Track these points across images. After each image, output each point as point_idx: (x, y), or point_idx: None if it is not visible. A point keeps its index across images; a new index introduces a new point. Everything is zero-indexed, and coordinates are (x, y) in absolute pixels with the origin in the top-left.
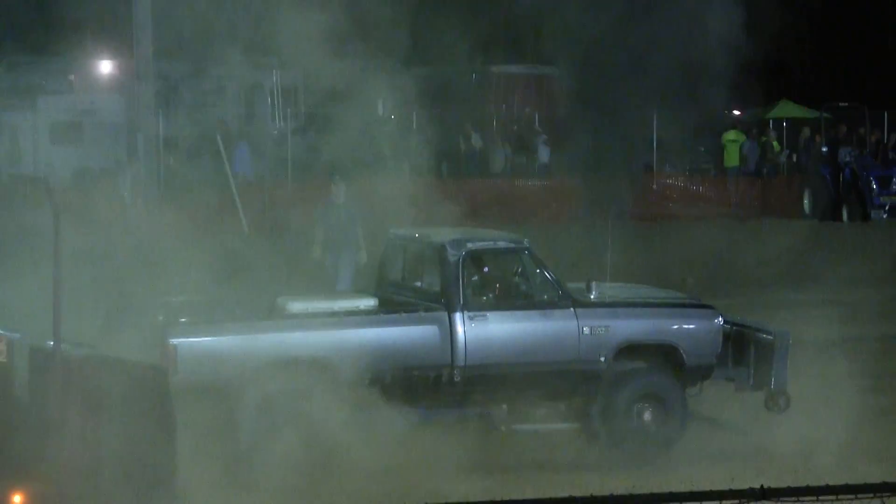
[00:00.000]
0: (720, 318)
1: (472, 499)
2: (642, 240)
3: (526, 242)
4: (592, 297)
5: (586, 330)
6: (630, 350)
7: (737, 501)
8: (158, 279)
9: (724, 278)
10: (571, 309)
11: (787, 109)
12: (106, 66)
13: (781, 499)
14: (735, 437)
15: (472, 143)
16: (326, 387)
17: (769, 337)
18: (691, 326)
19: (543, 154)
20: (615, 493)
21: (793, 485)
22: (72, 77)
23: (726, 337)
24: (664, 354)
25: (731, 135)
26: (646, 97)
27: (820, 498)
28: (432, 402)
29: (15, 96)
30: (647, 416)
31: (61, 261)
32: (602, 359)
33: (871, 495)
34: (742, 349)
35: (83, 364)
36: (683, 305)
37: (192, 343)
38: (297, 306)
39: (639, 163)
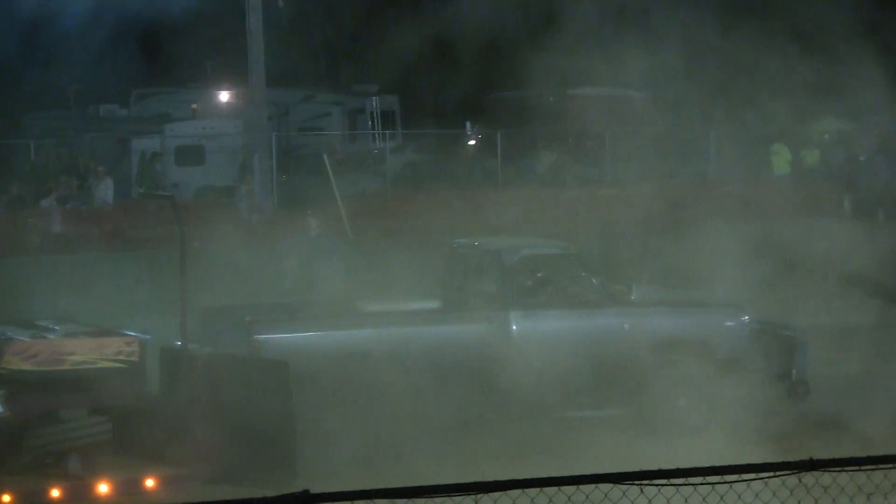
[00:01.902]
0: (746, 316)
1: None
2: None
3: (573, 248)
4: (633, 297)
5: (627, 326)
6: (665, 344)
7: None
8: (264, 283)
9: None
10: (614, 308)
11: (830, 122)
12: (224, 95)
13: (828, 469)
14: (768, 419)
15: (541, 159)
16: (394, 377)
17: (791, 332)
18: (720, 323)
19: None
20: (663, 468)
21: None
22: (194, 105)
23: (752, 332)
24: (696, 348)
25: (777, 147)
26: (707, 115)
27: (864, 468)
28: (489, 391)
29: (145, 124)
30: (681, 402)
31: (187, 268)
32: (642, 352)
33: None
34: (767, 343)
35: (208, 361)
36: (713, 305)
37: (274, 339)
38: (371, 306)
39: (698, 173)
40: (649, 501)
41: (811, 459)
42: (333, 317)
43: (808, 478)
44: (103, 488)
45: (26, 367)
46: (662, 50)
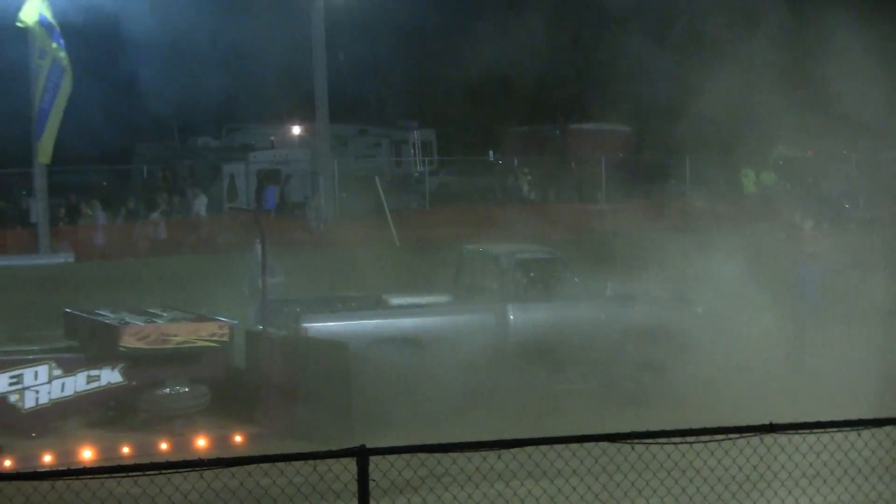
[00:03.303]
0: (700, 309)
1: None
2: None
3: (559, 253)
4: (608, 292)
5: (603, 316)
6: (634, 330)
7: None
8: (317, 280)
9: None
10: (592, 301)
11: (782, 151)
12: (296, 129)
13: (785, 432)
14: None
15: (520, 183)
16: (414, 357)
17: (735, 320)
18: (678, 313)
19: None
20: (636, 430)
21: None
22: (272, 137)
23: (706, 321)
24: (659, 333)
25: (745, 171)
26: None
27: (814, 431)
28: (490, 369)
29: (233, 152)
30: (646, 378)
31: (266, 269)
32: (614, 337)
33: (872, 429)
34: (714, 329)
35: (282, 342)
36: (673, 298)
37: (318, 326)
38: (395, 300)
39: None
40: (639, 457)
41: (770, 423)
42: (364, 308)
43: (768, 438)
44: (201, 442)
45: (140, 345)
46: (645, 90)
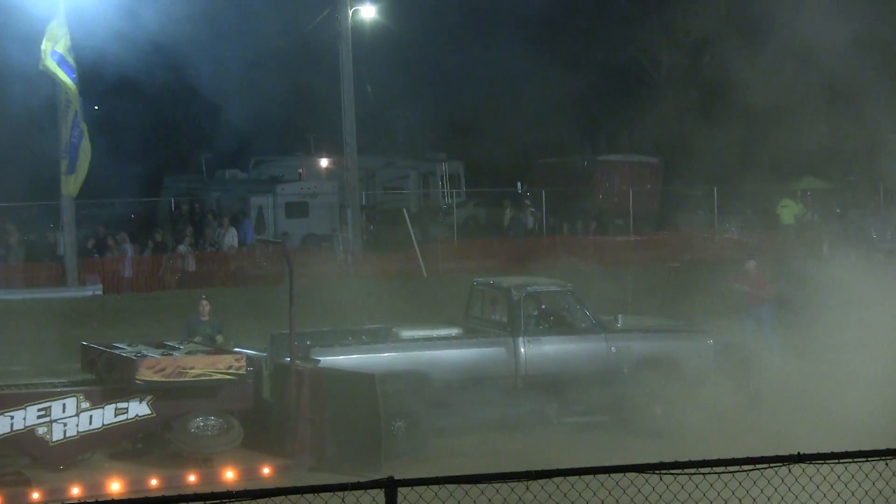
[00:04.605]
0: (712, 340)
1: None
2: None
3: (570, 286)
4: (619, 325)
5: (613, 349)
6: (645, 362)
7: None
8: (344, 313)
9: None
10: (602, 334)
11: (810, 182)
12: (324, 162)
13: (813, 462)
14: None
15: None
16: (423, 391)
17: (748, 352)
18: (690, 345)
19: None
20: (665, 461)
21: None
22: (300, 170)
23: (717, 352)
24: (669, 365)
25: (784, 201)
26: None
27: (842, 461)
28: (502, 403)
29: (261, 184)
30: (657, 409)
31: (295, 301)
32: (625, 369)
33: None
34: (729, 361)
35: (310, 374)
36: (683, 330)
37: (330, 360)
38: (405, 333)
39: (703, 222)
40: (667, 488)
41: (798, 454)
42: (374, 342)
43: (796, 468)
44: (229, 475)
45: (157, 378)
46: (671, 122)
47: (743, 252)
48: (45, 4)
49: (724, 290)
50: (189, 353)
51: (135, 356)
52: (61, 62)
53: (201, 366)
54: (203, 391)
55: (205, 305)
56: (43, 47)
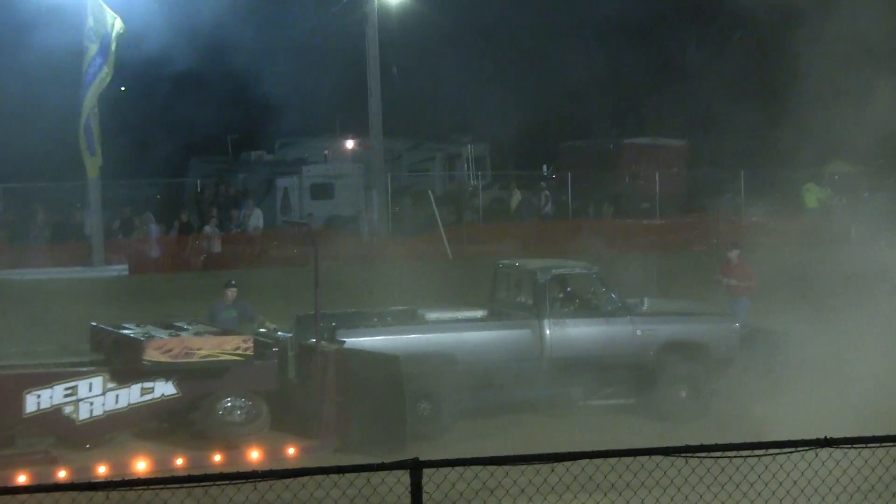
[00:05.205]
0: (738, 323)
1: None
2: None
3: (595, 269)
4: (644, 308)
5: (639, 332)
6: (671, 346)
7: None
8: (369, 294)
9: None
10: (628, 317)
11: (838, 166)
12: (349, 143)
13: (839, 446)
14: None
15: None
16: (448, 373)
17: (775, 336)
18: (716, 329)
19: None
20: (691, 444)
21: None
22: (326, 151)
23: (744, 336)
24: (696, 349)
25: (808, 185)
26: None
27: (869, 445)
28: (526, 385)
29: (287, 166)
30: (682, 393)
31: (320, 282)
32: (651, 353)
33: None
34: (753, 345)
35: (335, 355)
36: (710, 314)
37: (355, 341)
38: (430, 315)
39: (730, 206)
40: (693, 470)
41: (826, 437)
42: (399, 324)
43: (823, 453)
44: (255, 455)
45: (164, 359)
46: (698, 105)
47: (772, 236)
48: None
49: (710, 282)
50: (196, 333)
51: (142, 337)
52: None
53: (209, 347)
54: (235, 371)
55: (232, 292)
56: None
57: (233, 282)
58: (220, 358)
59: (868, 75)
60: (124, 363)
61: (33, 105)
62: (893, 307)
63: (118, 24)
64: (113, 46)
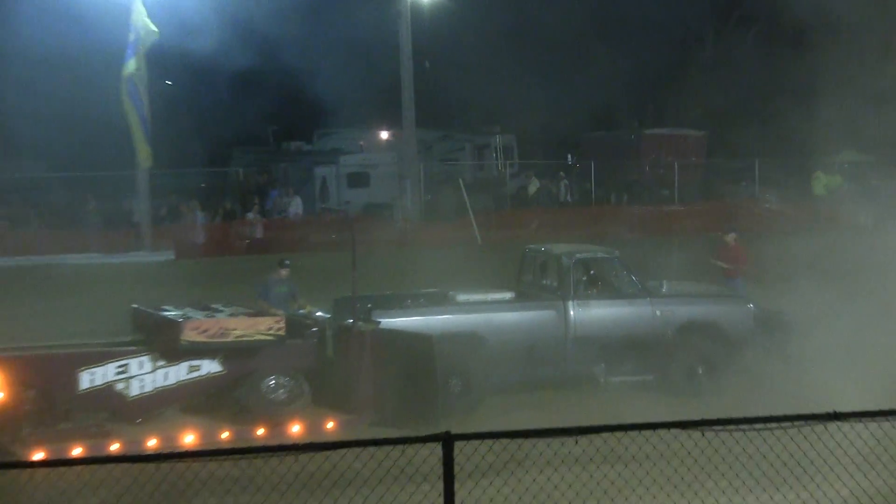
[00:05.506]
0: (752, 305)
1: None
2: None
3: (616, 253)
4: (664, 290)
5: (658, 313)
6: (688, 327)
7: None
8: (402, 278)
9: None
10: (648, 298)
11: (849, 155)
12: (384, 134)
13: (848, 420)
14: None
15: (531, 184)
16: (478, 352)
17: (786, 317)
18: (730, 311)
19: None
20: (707, 419)
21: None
22: (361, 142)
23: (757, 318)
24: (712, 329)
25: (817, 174)
26: (752, 149)
27: (876, 419)
28: (552, 363)
29: (325, 156)
30: (699, 371)
31: (357, 266)
32: (669, 332)
33: None
34: (767, 326)
35: (371, 335)
36: (725, 296)
37: (390, 322)
38: (462, 297)
39: (745, 194)
40: (709, 443)
41: (834, 412)
42: (432, 305)
43: (832, 426)
44: (296, 428)
45: (201, 339)
46: (716, 97)
47: (785, 222)
48: None
49: (706, 265)
50: (232, 315)
51: (180, 318)
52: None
53: (243, 327)
54: (277, 350)
55: (286, 271)
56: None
57: (287, 261)
58: (254, 338)
59: (877, 68)
60: (164, 343)
61: (84, 98)
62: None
63: (152, 29)
64: (142, 48)
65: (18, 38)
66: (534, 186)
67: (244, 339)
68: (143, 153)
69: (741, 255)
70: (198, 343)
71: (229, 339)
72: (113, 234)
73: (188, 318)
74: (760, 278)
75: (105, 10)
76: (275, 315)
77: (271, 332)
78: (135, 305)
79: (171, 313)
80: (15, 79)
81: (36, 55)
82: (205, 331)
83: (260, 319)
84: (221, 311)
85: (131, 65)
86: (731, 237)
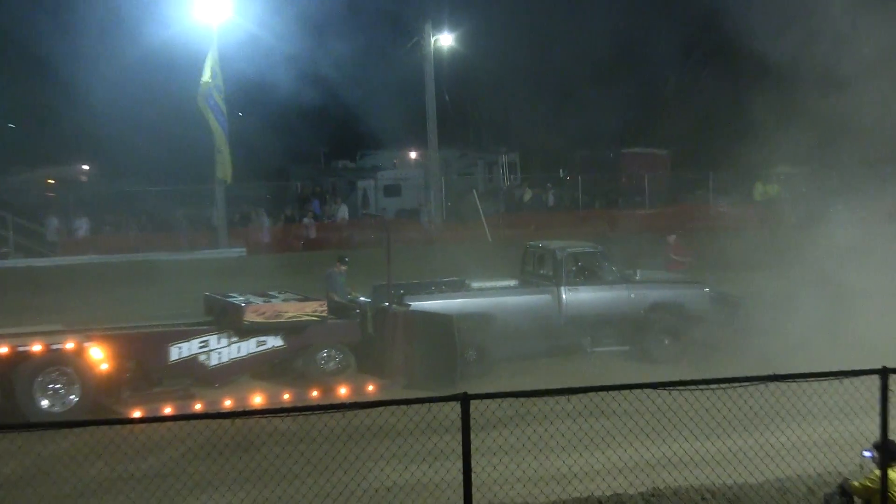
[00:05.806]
0: (707, 289)
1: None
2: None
3: (600, 248)
4: (637, 277)
5: (632, 296)
6: (657, 306)
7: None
8: (428, 269)
9: None
10: (624, 284)
11: (785, 168)
12: (413, 154)
13: (787, 381)
14: (731, 351)
15: (525, 192)
16: (489, 328)
17: (735, 298)
18: (690, 293)
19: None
20: (673, 380)
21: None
22: (395, 161)
23: (710, 298)
24: (676, 308)
25: (756, 184)
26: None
27: (812, 380)
28: (548, 337)
29: (365, 171)
30: (666, 342)
31: (391, 260)
32: (642, 311)
33: None
34: (720, 305)
35: (403, 315)
36: (686, 282)
37: (418, 304)
38: (476, 284)
39: (701, 200)
40: (675, 400)
41: (774, 374)
42: (452, 291)
43: (782, 385)
44: (343, 391)
45: (259, 320)
46: (679, 121)
47: (732, 222)
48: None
49: (662, 259)
50: (284, 300)
51: (243, 303)
52: (213, 107)
53: (293, 310)
54: (329, 327)
55: (345, 266)
56: (202, 82)
57: (346, 258)
58: (302, 318)
59: (809, 97)
60: (229, 323)
61: (173, 126)
62: (824, 274)
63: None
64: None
65: (121, 77)
66: (528, 195)
67: (294, 319)
68: (225, 171)
69: (683, 251)
70: (257, 323)
71: (282, 320)
72: (196, 236)
73: (249, 302)
74: (713, 266)
75: (188, 53)
76: (319, 300)
77: (316, 313)
78: (206, 293)
79: (236, 299)
80: (119, 113)
81: (134, 94)
82: (262, 313)
83: (307, 304)
84: (276, 297)
85: (206, 74)
86: (672, 238)
